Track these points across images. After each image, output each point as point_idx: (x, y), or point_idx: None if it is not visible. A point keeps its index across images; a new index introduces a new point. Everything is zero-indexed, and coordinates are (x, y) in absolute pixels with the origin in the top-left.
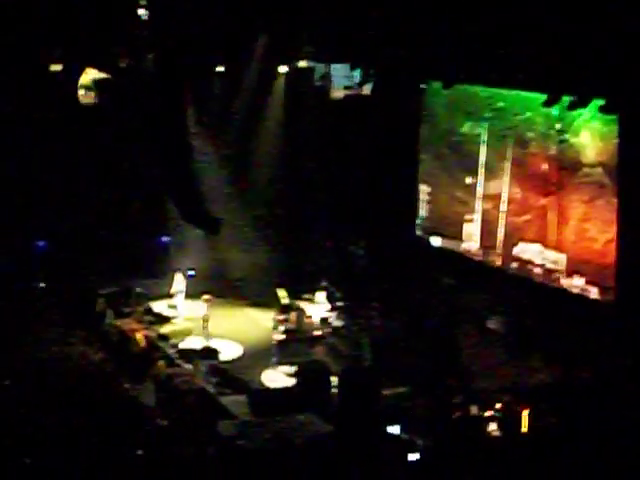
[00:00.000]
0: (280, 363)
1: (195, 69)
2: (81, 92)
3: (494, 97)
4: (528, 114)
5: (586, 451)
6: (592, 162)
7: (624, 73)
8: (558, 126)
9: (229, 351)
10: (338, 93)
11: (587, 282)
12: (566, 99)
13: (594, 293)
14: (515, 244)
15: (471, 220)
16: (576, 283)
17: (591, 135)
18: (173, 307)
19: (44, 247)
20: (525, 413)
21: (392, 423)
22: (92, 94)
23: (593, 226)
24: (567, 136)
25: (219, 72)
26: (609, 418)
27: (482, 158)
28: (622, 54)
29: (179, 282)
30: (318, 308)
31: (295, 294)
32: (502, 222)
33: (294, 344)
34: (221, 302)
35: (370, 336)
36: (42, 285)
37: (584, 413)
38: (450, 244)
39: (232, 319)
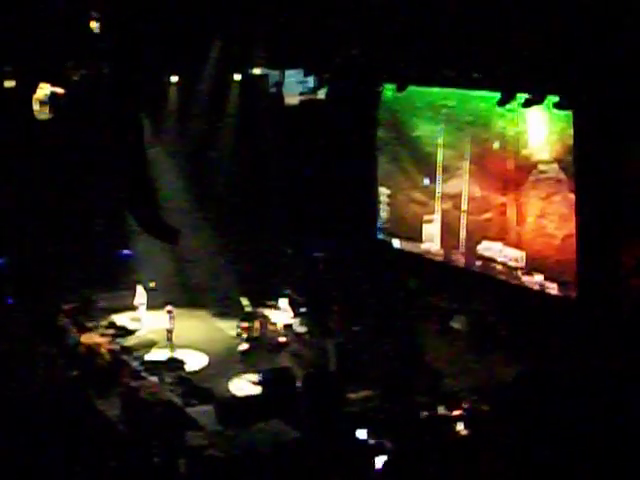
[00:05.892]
0: (245, 371)
1: (150, 80)
2: (36, 107)
3: (449, 97)
4: (483, 113)
5: (551, 445)
6: (548, 159)
7: (577, 70)
8: (513, 124)
9: (194, 361)
10: (293, 99)
11: (546, 278)
12: (521, 97)
13: (553, 289)
14: (478, 242)
15: (431, 221)
16: (536, 280)
17: (546, 132)
18: (136, 320)
19: (3, 264)
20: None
21: (359, 427)
22: (47, 109)
23: (551, 222)
24: (522, 133)
25: (174, 82)
26: (574, 411)
27: (440, 158)
28: (575, 51)
29: (141, 294)
30: (281, 315)
31: (258, 301)
32: (463, 221)
33: (259, 352)
34: (184, 312)
35: (334, 341)
36: (11, 301)
37: (549, 408)
38: (410, 246)
39: (196, 329)
